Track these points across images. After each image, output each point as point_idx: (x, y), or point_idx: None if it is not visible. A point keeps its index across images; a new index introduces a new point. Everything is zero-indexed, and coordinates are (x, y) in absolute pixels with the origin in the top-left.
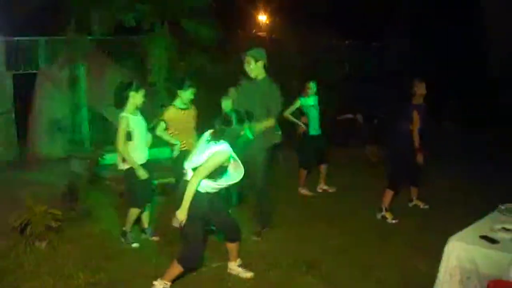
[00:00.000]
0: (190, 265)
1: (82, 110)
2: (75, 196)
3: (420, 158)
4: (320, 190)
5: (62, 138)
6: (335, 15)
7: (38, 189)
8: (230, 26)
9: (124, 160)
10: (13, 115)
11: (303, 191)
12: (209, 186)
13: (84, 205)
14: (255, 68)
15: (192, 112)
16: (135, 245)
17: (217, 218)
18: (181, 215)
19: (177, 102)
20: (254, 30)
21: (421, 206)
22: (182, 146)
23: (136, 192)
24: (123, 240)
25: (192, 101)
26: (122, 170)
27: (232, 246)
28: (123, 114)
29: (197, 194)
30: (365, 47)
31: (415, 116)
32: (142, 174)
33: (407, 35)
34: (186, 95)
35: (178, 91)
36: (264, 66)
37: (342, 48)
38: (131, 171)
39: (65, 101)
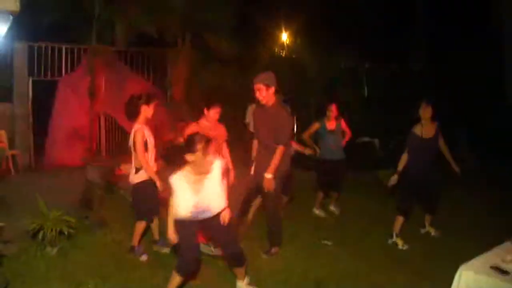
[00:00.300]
0: (185, 271)
1: (100, 119)
2: (89, 204)
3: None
4: (328, 210)
5: (79, 146)
6: (355, 38)
7: (53, 196)
8: (251, 43)
9: (136, 172)
10: (31, 120)
11: (318, 211)
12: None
13: (98, 214)
14: (266, 95)
15: (217, 132)
16: (143, 257)
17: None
18: (170, 236)
19: (202, 120)
20: (275, 49)
21: (432, 233)
22: None
23: (144, 205)
24: (131, 255)
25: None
26: (132, 182)
27: (237, 270)
28: (139, 125)
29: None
30: (385, 70)
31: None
32: (160, 184)
33: (426, 60)
34: (211, 114)
35: (205, 109)
36: (276, 91)
37: (361, 71)
38: (142, 185)
39: (84, 109)
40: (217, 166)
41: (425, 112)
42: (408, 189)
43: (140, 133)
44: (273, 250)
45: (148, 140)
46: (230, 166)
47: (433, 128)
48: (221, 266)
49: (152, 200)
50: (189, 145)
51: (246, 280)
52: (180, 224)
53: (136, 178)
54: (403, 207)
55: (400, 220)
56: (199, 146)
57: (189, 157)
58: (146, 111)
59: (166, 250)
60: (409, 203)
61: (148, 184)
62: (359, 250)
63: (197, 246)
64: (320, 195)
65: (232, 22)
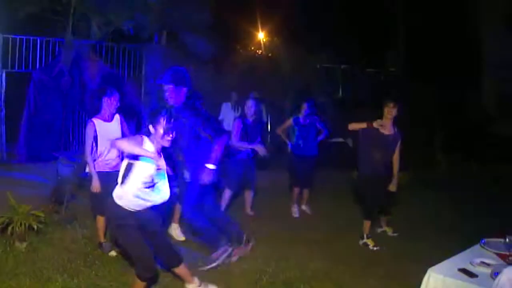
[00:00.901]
0: (146, 275)
1: (73, 113)
2: (60, 199)
3: (391, 186)
4: (300, 209)
5: (52, 140)
6: (332, 39)
7: (24, 190)
8: (227, 42)
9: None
10: (3, 114)
11: (294, 210)
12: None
13: (68, 210)
14: (175, 96)
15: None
16: (112, 253)
17: (152, 240)
18: None
19: None
20: (252, 48)
21: (390, 233)
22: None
23: (96, 199)
24: (100, 251)
25: None
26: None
27: (180, 271)
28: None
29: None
30: (360, 72)
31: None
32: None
33: (404, 61)
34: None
35: None
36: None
37: (336, 72)
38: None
39: (57, 104)
40: None
41: (390, 111)
42: (365, 190)
43: (91, 126)
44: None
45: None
46: None
47: (392, 128)
48: None
49: (101, 195)
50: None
51: (196, 281)
52: (119, 227)
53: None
54: (368, 209)
55: (367, 222)
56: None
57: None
58: (108, 104)
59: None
60: (371, 204)
61: (104, 175)
62: (330, 251)
63: (148, 247)
64: (295, 192)
65: (208, 20)
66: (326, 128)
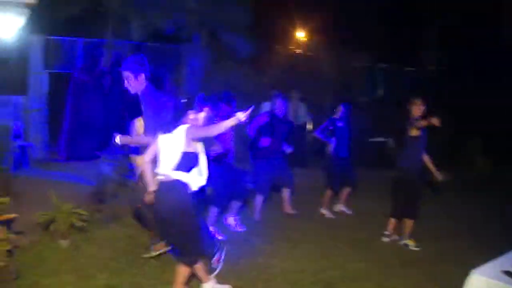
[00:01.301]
0: (197, 260)
1: (114, 113)
2: (102, 198)
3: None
4: (336, 210)
5: (93, 140)
6: (371, 39)
7: (66, 189)
8: (267, 42)
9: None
10: (46, 113)
11: (324, 211)
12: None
13: (111, 208)
14: (135, 83)
15: None
16: (153, 253)
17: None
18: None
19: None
20: (291, 47)
21: (411, 247)
22: None
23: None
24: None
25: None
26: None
27: (198, 267)
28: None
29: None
30: (399, 71)
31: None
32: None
33: (444, 61)
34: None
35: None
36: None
37: (376, 72)
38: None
39: (98, 104)
40: None
41: (419, 109)
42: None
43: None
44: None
45: None
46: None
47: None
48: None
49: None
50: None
51: (212, 279)
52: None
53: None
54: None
55: (409, 222)
56: None
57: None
58: None
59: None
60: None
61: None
62: (370, 250)
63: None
64: (329, 194)
65: (248, 19)
66: (357, 130)
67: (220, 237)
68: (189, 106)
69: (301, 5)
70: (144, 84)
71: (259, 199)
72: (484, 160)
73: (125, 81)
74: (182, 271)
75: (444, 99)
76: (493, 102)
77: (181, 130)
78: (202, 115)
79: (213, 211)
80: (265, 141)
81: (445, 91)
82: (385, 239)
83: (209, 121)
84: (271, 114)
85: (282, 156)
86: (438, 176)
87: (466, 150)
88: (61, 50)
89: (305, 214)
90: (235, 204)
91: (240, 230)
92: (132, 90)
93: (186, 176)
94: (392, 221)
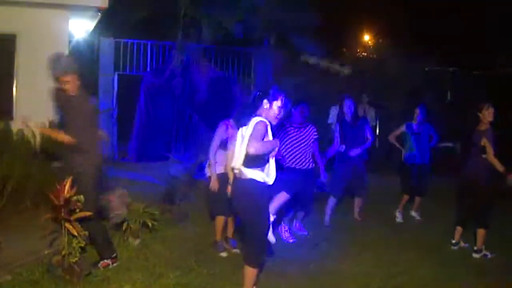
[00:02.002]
0: (263, 258)
1: (184, 115)
2: (172, 199)
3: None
4: (409, 215)
5: (163, 141)
6: (438, 42)
7: (136, 189)
8: (335, 45)
9: (209, 166)
10: (115, 114)
11: (398, 215)
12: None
13: (181, 209)
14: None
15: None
16: (223, 254)
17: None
18: None
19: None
20: (358, 50)
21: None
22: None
23: (218, 199)
24: (213, 249)
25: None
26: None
27: (246, 271)
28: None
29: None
30: (469, 75)
31: (484, 142)
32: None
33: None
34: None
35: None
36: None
37: (445, 75)
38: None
39: (168, 106)
40: None
41: (489, 115)
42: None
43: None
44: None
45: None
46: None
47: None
48: None
49: (226, 194)
50: None
51: None
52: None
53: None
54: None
55: (481, 233)
56: None
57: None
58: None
59: (236, 250)
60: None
61: (224, 176)
62: (440, 257)
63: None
64: (405, 199)
65: (316, 22)
66: (437, 134)
67: (291, 240)
68: (262, 98)
69: (369, 9)
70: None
71: (331, 203)
72: None
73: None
74: (249, 272)
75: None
76: None
77: (251, 125)
78: (276, 104)
79: (286, 214)
80: (338, 147)
81: None
82: (454, 247)
83: (283, 110)
84: (340, 119)
85: (360, 161)
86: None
87: None
88: (131, 52)
89: (374, 219)
90: (301, 210)
91: (302, 234)
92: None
93: (256, 173)
94: (459, 229)
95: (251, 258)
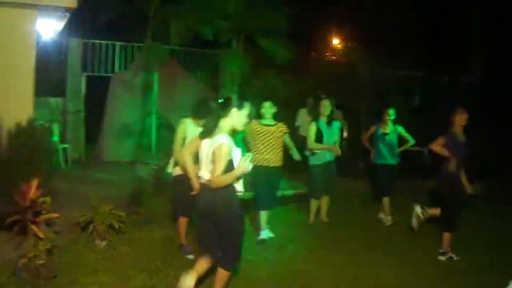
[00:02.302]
0: (237, 264)
1: (151, 116)
2: (139, 200)
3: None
4: (378, 218)
5: (130, 142)
6: (409, 47)
7: (103, 190)
8: (304, 48)
9: (175, 165)
10: (83, 115)
11: (383, 216)
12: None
13: (147, 210)
14: None
15: (273, 129)
16: (190, 256)
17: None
18: None
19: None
20: (327, 54)
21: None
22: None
23: (179, 201)
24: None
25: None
26: (170, 174)
27: (223, 275)
28: (183, 119)
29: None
30: (437, 81)
31: (440, 141)
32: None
33: (483, 72)
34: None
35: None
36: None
37: (414, 80)
38: (178, 178)
39: (136, 107)
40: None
41: (461, 119)
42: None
43: (181, 126)
44: None
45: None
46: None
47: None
48: None
49: (188, 196)
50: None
51: None
52: (239, 214)
53: (174, 171)
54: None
55: (448, 234)
56: None
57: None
58: None
59: (190, 256)
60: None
61: (186, 178)
62: (407, 259)
63: None
64: (386, 200)
65: (285, 26)
66: (409, 136)
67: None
68: (226, 106)
69: (338, 12)
70: None
71: (312, 204)
72: None
73: None
74: (224, 276)
75: (483, 109)
76: None
77: (217, 144)
78: (244, 113)
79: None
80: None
81: (484, 100)
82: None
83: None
84: (317, 121)
85: (332, 163)
86: (470, 189)
87: (507, 160)
88: (99, 53)
89: (342, 222)
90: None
91: (268, 237)
92: None
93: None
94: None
95: (228, 262)
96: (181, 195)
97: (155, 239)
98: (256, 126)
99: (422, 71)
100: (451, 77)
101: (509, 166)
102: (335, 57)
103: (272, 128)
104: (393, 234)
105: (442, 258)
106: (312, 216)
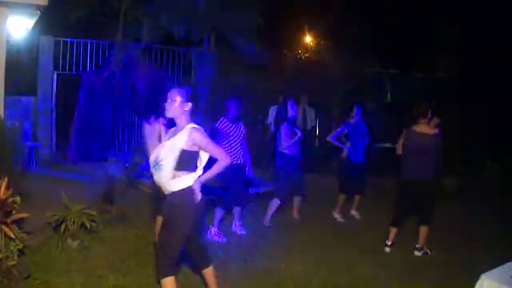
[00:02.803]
0: (173, 272)
1: (122, 115)
2: (111, 199)
3: None
4: (349, 215)
5: (102, 141)
6: (380, 44)
7: (74, 189)
8: (276, 46)
9: None
10: (54, 114)
11: (337, 215)
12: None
13: (119, 209)
14: None
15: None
16: None
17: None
18: None
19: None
20: (299, 51)
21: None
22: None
23: (156, 200)
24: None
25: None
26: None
27: (208, 273)
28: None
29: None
30: (408, 77)
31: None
32: None
33: (455, 68)
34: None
35: (228, 104)
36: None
37: (385, 77)
38: None
39: (107, 105)
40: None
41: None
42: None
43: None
44: None
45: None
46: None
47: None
48: None
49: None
50: None
51: None
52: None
53: None
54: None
55: (393, 228)
56: None
57: None
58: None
59: None
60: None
61: None
62: (379, 256)
63: None
64: (342, 198)
65: (257, 24)
66: (370, 134)
67: (220, 240)
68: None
69: (310, 10)
70: None
71: (275, 203)
72: (493, 166)
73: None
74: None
75: (454, 106)
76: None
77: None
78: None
79: (218, 212)
80: (288, 147)
81: (456, 98)
82: (388, 249)
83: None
84: (288, 119)
85: (299, 161)
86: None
87: (475, 157)
88: (70, 51)
89: (314, 219)
90: (237, 209)
91: (241, 233)
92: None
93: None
94: (393, 230)
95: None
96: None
97: (128, 238)
98: (226, 125)
99: (395, 69)
100: (424, 74)
101: (481, 161)
102: (307, 55)
103: (242, 126)
104: (366, 231)
105: (418, 253)
106: (269, 215)
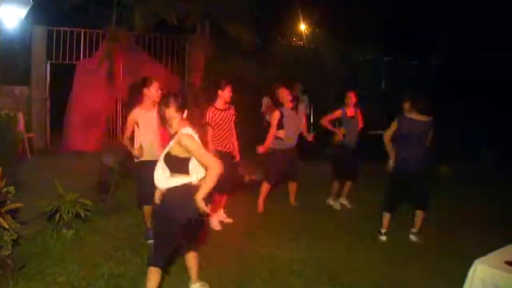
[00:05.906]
0: (163, 263)
1: (117, 104)
2: (105, 188)
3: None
4: (341, 202)
5: (96, 130)
6: (375, 31)
7: (69, 179)
8: (270, 34)
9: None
10: (48, 104)
11: (332, 202)
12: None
13: (114, 198)
14: None
15: (231, 113)
16: (151, 241)
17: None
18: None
19: (217, 103)
20: (294, 39)
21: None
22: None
23: (142, 187)
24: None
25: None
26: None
27: (191, 261)
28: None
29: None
30: (403, 64)
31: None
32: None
33: (448, 55)
34: (225, 93)
35: (219, 91)
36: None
37: (380, 64)
38: (138, 165)
39: (101, 94)
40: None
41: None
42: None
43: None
44: None
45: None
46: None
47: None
48: None
49: (144, 185)
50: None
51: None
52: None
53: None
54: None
55: (386, 214)
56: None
57: None
58: (149, 93)
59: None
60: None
61: (144, 164)
62: (373, 243)
63: None
64: (336, 185)
65: (251, 11)
66: (364, 120)
67: (217, 228)
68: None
69: None
70: None
71: (265, 188)
72: (489, 153)
73: None
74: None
75: (450, 92)
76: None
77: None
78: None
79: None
80: (280, 133)
81: (451, 85)
82: (383, 238)
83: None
84: (282, 106)
85: (294, 148)
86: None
87: (471, 143)
88: (63, 40)
89: (308, 206)
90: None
91: (227, 221)
92: None
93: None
94: (388, 215)
95: (156, 259)
96: (143, 181)
97: (123, 227)
98: (215, 112)
99: (389, 56)
100: (419, 61)
101: (475, 148)
102: (302, 42)
103: (228, 112)
104: (360, 218)
105: (414, 238)
106: (261, 200)
